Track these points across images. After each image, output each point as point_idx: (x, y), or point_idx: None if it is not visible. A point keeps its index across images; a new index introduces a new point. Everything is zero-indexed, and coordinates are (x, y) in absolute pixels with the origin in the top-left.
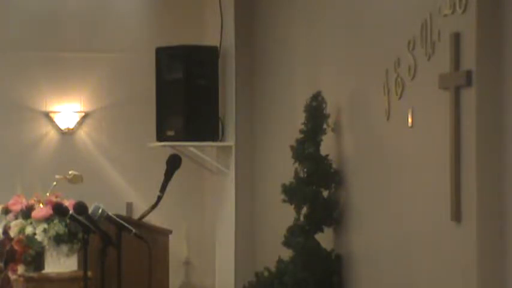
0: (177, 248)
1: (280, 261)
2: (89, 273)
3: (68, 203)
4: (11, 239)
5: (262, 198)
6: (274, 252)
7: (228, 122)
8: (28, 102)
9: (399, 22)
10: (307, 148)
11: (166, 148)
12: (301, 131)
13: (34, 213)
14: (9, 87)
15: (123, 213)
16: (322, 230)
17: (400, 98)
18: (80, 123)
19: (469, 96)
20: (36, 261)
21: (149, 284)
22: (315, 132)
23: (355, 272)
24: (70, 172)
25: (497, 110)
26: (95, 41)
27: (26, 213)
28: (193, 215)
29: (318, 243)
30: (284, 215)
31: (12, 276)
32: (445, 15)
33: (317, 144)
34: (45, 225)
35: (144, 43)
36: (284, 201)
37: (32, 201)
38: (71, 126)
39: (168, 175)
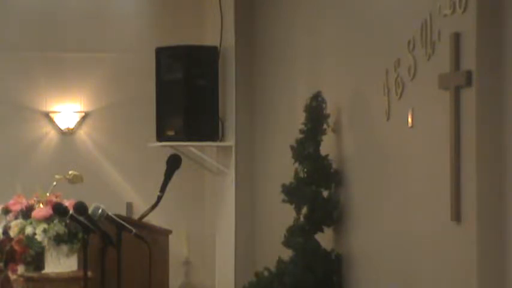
0: (177, 248)
1: (280, 261)
2: (89, 273)
3: (68, 203)
4: (11, 239)
5: (262, 198)
6: (274, 252)
7: (228, 122)
8: (28, 102)
9: (399, 22)
10: (307, 148)
11: (166, 148)
12: (301, 131)
13: (34, 213)
14: (9, 87)
15: (123, 213)
16: (322, 230)
17: (400, 98)
18: (80, 123)
19: (469, 96)
20: (36, 261)
21: (149, 284)
22: (315, 132)
23: (355, 272)
24: (70, 172)
25: (497, 110)
26: (95, 41)
27: (26, 213)
28: (193, 215)
29: (318, 243)
30: (284, 215)
31: (12, 276)
32: (445, 15)
33: (317, 144)
34: (45, 225)
35: (144, 43)
36: (284, 201)
37: (32, 201)
38: (71, 126)
39: (168, 175)
